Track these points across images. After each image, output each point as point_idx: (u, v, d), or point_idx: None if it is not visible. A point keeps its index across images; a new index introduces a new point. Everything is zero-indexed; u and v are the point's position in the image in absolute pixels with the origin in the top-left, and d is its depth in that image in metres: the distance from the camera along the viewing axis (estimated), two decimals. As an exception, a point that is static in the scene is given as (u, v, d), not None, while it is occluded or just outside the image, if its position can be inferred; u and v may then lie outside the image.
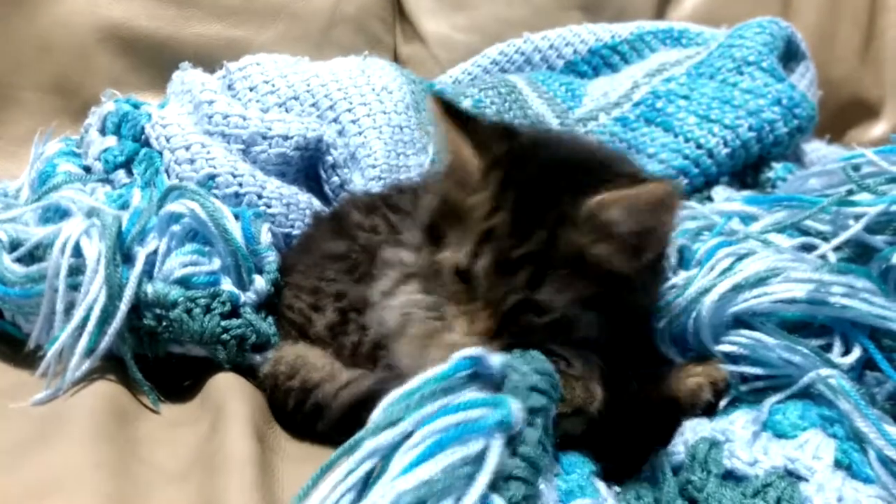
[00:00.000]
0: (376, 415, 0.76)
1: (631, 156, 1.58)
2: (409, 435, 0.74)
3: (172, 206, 1.18)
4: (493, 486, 0.74)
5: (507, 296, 0.94)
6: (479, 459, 0.74)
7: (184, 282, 1.15)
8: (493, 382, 0.83)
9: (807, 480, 0.80)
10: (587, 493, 0.84)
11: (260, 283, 1.20)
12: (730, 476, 0.83)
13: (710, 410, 0.97)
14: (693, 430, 0.90)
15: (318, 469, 0.73)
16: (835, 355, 0.93)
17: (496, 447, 0.75)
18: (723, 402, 0.97)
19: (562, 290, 0.93)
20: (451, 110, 1.00)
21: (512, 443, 0.79)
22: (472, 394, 0.79)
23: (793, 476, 0.80)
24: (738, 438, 0.85)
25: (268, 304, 1.22)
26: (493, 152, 0.98)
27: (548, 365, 0.88)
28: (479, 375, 0.81)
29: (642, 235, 0.94)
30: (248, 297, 1.18)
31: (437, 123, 1.04)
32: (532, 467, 0.78)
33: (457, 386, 0.79)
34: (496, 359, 0.83)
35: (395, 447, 0.74)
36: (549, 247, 0.92)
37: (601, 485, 0.88)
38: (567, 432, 0.91)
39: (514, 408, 0.78)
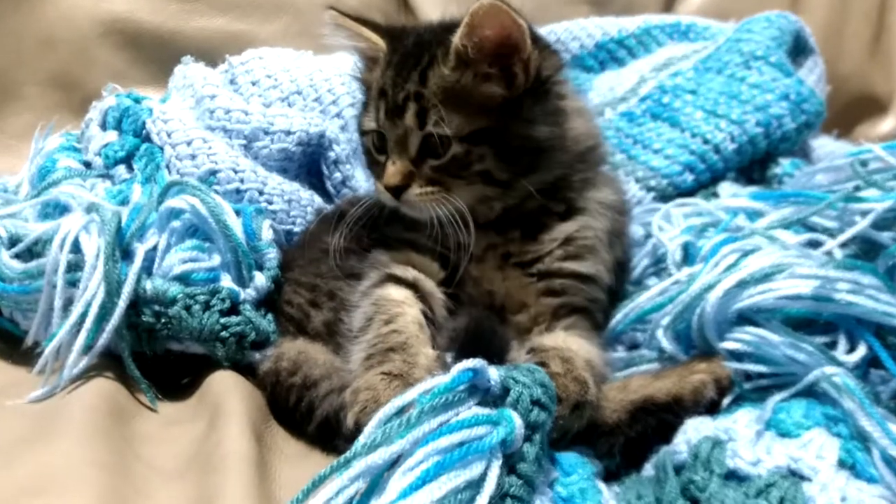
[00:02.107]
0: (370, 429, 0.75)
1: (636, 150, 1.57)
2: (402, 455, 0.73)
3: (173, 202, 1.18)
4: None
5: (407, 139, 1.09)
6: (480, 481, 0.74)
7: (183, 278, 1.15)
8: (493, 395, 0.82)
9: (810, 480, 0.79)
10: (588, 498, 0.83)
11: (260, 279, 1.20)
12: (732, 476, 0.82)
13: (713, 408, 0.96)
14: (696, 429, 0.89)
15: (309, 483, 0.72)
16: (840, 353, 0.92)
17: (496, 468, 0.75)
18: (726, 400, 0.96)
19: (447, 121, 1.06)
20: (350, 17, 1.20)
21: (510, 460, 0.78)
22: (473, 409, 0.78)
23: (796, 476, 0.80)
24: (741, 437, 0.85)
25: (268, 301, 1.21)
26: (388, 33, 1.17)
27: (546, 375, 0.88)
28: (477, 388, 0.81)
29: (500, 62, 1.07)
30: (247, 293, 1.18)
31: (343, 27, 1.20)
32: (528, 485, 0.78)
33: (456, 401, 0.78)
34: (495, 371, 0.82)
35: (388, 466, 0.73)
36: (422, 85, 1.08)
37: (603, 486, 0.87)
38: (570, 430, 0.93)
39: (518, 424, 0.78)
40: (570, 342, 1.05)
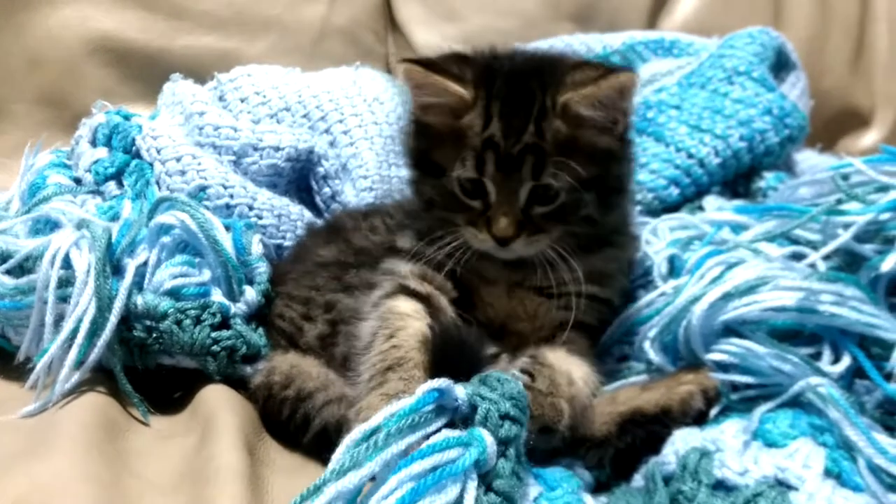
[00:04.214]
0: (339, 455, 0.75)
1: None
2: (373, 478, 0.73)
3: (162, 218, 1.18)
4: None
5: (517, 189, 1.05)
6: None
7: (174, 293, 1.15)
8: (461, 414, 0.83)
9: (797, 489, 0.80)
10: None
11: (251, 294, 1.20)
12: (720, 486, 0.83)
13: (701, 419, 0.97)
14: (684, 440, 0.89)
15: None
16: (824, 364, 0.93)
17: (472, 489, 0.76)
18: (714, 411, 0.97)
19: (561, 172, 1.03)
20: (426, 64, 1.10)
21: (486, 478, 0.79)
22: (444, 433, 0.78)
23: (783, 485, 0.80)
24: (729, 448, 0.85)
25: (258, 315, 1.21)
26: (469, 78, 1.09)
27: (516, 385, 0.88)
28: (445, 408, 0.81)
29: (610, 116, 1.06)
30: (238, 308, 1.18)
31: (415, 81, 1.12)
32: (508, 501, 0.78)
33: (423, 422, 0.79)
34: (461, 390, 0.83)
35: (359, 491, 0.73)
36: (539, 138, 1.04)
37: (589, 498, 0.88)
38: (538, 448, 0.92)
39: (489, 443, 0.79)
40: (570, 364, 1.05)
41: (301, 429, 1.05)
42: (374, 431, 0.76)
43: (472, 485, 0.76)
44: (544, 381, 0.98)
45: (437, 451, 0.75)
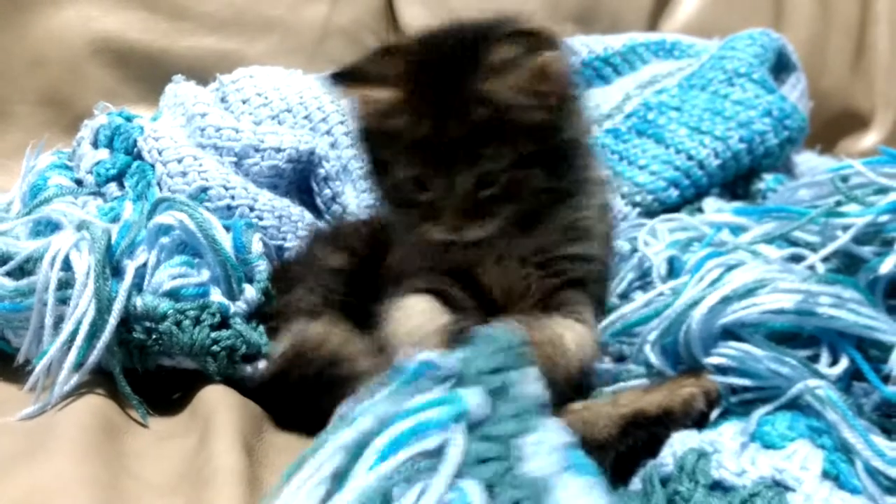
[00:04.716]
0: (334, 420, 0.76)
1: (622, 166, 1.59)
2: (371, 433, 0.74)
3: (161, 218, 1.18)
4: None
5: (456, 179, 1.06)
6: (439, 452, 0.74)
7: (173, 294, 1.15)
8: (455, 378, 0.82)
9: (794, 490, 0.79)
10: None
11: (250, 292, 1.20)
12: (717, 486, 0.83)
13: (701, 421, 0.97)
14: (681, 442, 0.89)
15: (287, 469, 0.73)
16: (822, 366, 0.93)
17: (458, 437, 0.75)
18: (714, 413, 0.97)
19: (496, 156, 1.04)
20: (346, 76, 1.11)
21: (481, 427, 0.78)
22: (427, 395, 0.78)
23: (780, 486, 0.80)
24: (727, 449, 0.85)
25: (258, 314, 1.22)
26: (395, 74, 1.09)
27: (508, 337, 0.87)
28: (440, 378, 0.81)
29: (538, 96, 1.05)
30: (238, 307, 1.18)
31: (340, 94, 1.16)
32: (504, 444, 0.77)
33: (420, 390, 0.79)
34: (450, 357, 0.83)
35: (359, 445, 0.73)
36: (466, 128, 1.04)
37: None
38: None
39: (471, 398, 0.78)
40: (563, 328, 1.07)
41: (327, 389, 1.05)
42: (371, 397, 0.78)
43: (457, 434, 0.75)
44: (540, 333, 1.01)
45: (416, 412, 0.76)
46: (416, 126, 1.06)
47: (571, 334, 1.06)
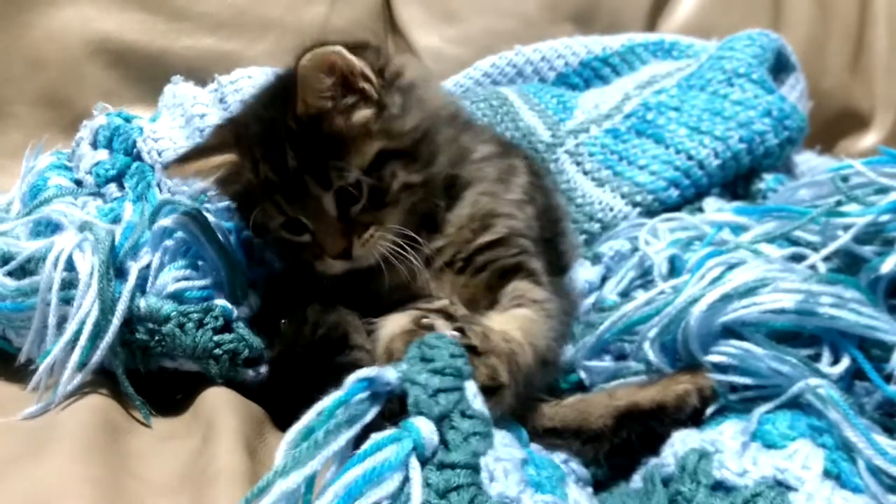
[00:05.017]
0: (280, 456, 0.75)
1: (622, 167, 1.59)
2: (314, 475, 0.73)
3: (165, 221, 1.18)
4: None
5: (320, 205, 1.07)
6: (401, 492, 0.74)
7: (177, 296, 1.15)
8: (397, 395, 0.82)
9: (796, 490, 0.80)
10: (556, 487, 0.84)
11: (253, 297, 1.20)
12: (720, 487, 0.83)
13: (696, 417, 0.97)
14: (683, 442, 0.90)
15: None
16: (824, 365, 0.93)
17: (417, 472, 0.75)
18: (709, 410, 0.97)
19: (342, 169, 1.05)
20: (182, 159, 1.13)
21: (436, 456, 0.78)
22: (372, 437, 0.77)
23: (782, 486, 0.80)
24: (728, 449, 0.85)
25: (262, 319, 1.21)
26: (229, 140, 1.12)
27: (448, 350, 0.87)
28: (378, 394, 0.81)
29: (340, 97, 1.06)
30: (241, 311, 1.18)
31: (190, 175, 1.15)
32: (467, 468, 0.77)
33: (359, 413, 0.78)
34: (391, 373, 0.82)
35: (307, 487, 0.73)
36: (299, 155, 1.05)
37: (574, 489, 0.88)
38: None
39: (424, 429, 0.78)
40: (508, 322, 1.03)
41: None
42: (311, 431, 0.76)
43: (415, 470, 0.75)
44: (476, 337, 0.95)
45: (370, 455, 0.75)
46: (257, 175, 1.08)
47: (517, 323, 1.03)
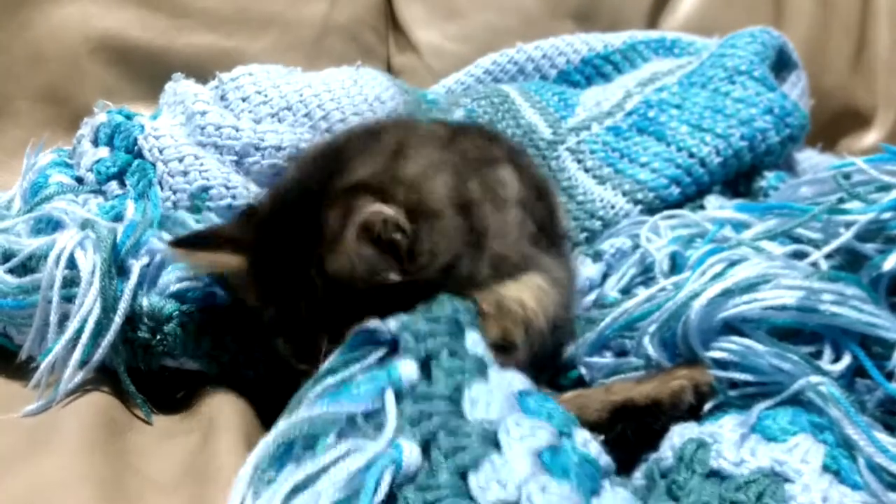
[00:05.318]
0: (292, 402, 0.80)
1: (623, 164, 1.59)
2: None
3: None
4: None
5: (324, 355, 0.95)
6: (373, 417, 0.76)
7: (180, 296, 1.15)
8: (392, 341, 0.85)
9: (793, 482, 0.80)
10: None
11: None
12: (715, 475, 0.83)
13: (692, 414, 0.97)
14: (680, 434, 0.90)
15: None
16: (825, 362, 0.93)
17: (391, 400, 0.77)
18: (707, 406, 0.97)
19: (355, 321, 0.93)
20: (196, 245, 1.07)
21: (416, 388, 0.79)
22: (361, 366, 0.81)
23: (779, 477, 0.80)
24: (726, 440, 0.86)
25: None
26: (244, 237, 1.04)
27: (451, 305, 0.89)
28: (380, 343, 0.84)
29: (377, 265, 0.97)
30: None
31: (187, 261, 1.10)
32: (443, 399, 0.77)
33: (359, 356, 0.83)
34: (392, 323, 0.85)
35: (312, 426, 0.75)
36: (320, 311, 0.98)
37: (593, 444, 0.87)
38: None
39: (404, 367, 0.80)
40: (521, 290, 1.05)
41: None
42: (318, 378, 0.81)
43: (391, 398, 0.77)
44: (488, 305, 0.98)
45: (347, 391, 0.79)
46: (262, 309, 1.03)
47: (530, 292, 1.05)
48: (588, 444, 0.82)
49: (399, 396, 0.78)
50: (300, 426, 0.74)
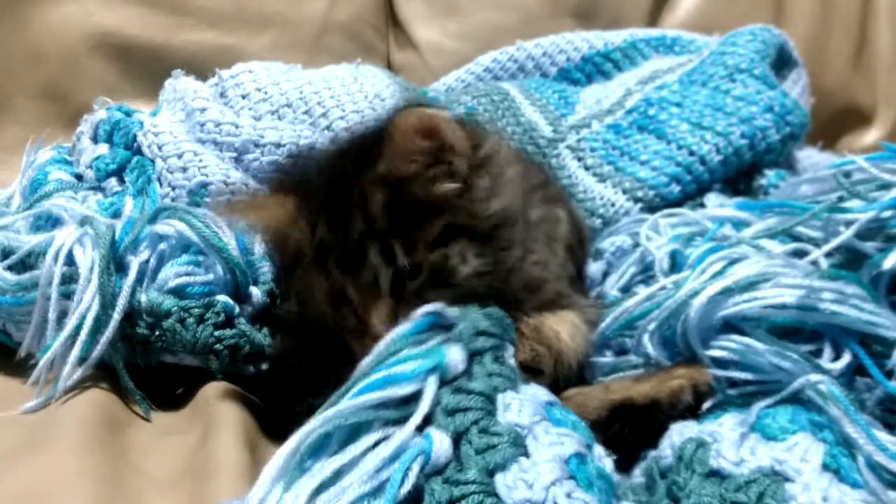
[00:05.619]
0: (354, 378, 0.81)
1: (623, 162, 1.59)
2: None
3: (159, 228, 1.18)
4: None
5: (376, 281, 0.99)
6: (412, 400, 0.78)
7: (178, 291, 1.15)
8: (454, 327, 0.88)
9: (793, 481, 0.79)
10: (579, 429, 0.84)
11: (256, 293, 1.20)
12: (715, 475, 0.83)
13: (691, 413, 0.97)
14: (680, 433, 0.90)
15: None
16: (825, 361, 0.93)
17: (431, 386, 0.78)
18: (706, 405, 0.96)
19: (413, 244, 0.98)
20: (238, 202, 1.07)
21: (456, 381, 0.81)
22: (404, 351, 0.83)
23: (779, 476, 0.80)
24: (726, 439, 0.85)
25: (263, 315, 1.21)
26: (292, 194, 1.04)
27: (500, 312, 0.92)
28: (441, 326, 0.87)
29: (430, 159, 0.99)
30: (244, 308, 1.18)
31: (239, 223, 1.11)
32: (481, 396, 0.80)
33: (421, 339, 0.84)
34: (453, 311, 0.88)
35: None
36: (371, 221, 0.98)
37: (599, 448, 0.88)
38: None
39: (452, 354, 0.82)
40: (560, 323, 1.07)
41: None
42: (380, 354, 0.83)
43: (431, 385, 0.79)
44: (527, 327, 1.00)
45: (395, 365, 0.80)
46: (312, 235, 1.01)
47: (566, 327, 1.06)
48: (602, 459, 0.84)
49: (441, 383, 0.81)
50: (342, 416, 0.75)
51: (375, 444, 0.74)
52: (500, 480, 0.73)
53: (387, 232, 0.98)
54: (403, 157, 0.98)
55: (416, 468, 0.72)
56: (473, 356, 0.84)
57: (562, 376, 1.01)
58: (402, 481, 0.71)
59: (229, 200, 1.09)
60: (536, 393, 0.87)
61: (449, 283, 1.00)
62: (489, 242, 1.03)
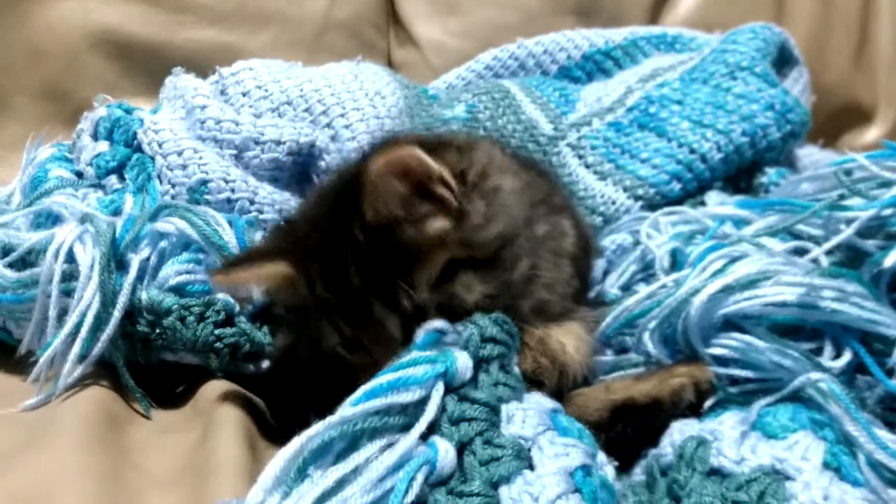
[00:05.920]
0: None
1: (624, 160, 1.58)
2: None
3: (160, 226, 1.18)
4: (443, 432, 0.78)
5: (385, 329, 0.96)
6: (419, 406, 0.77)
7: (179, 289, 1.15)
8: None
9: (793, 479, 0.79)
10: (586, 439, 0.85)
11: (256, 292, 1.20)
12: (715, 473, 0.82)
13: (693, 411, 0.97)
14: (680, 431, 0.89)
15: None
16: (825, 359, 0.93)
17: (437, 393, 0.78)
18: (707, 403, 0.96)
19: (412, 287, 0.94)
20: (235, 265, 1.03)
21: (462, 389, 0.82)
22: (414, 353, 0.83)
23: (780, 475, 0.80)
24: (727, 438, 0.85)
25: (263, 314, 1.21)
26: (288, 253, 1.01)
27: (507, 318, 0.93)
28: (447, 342, 0.87)
29: (413, 200, 0.95)
30: (244, 306, 1.18)
31: (239, 283, 1.07)
32: (486, 406, 0.80)
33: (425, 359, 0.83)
34: (456, 326, 0.89)
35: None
36: (367, 272, 0.95)
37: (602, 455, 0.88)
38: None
39: (460, 359, 0.82)
40: (566, 335, 1.06)
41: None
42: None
43: (437, 392, 0.79)
44: (532, 338, 1.00)
45: (403, 368, 0.79)
46: (312, 292, 0.99)
47: (572, 340, 1.05)
48: (604, 466, 0.85)
49: (446, 390, 0.81)
50: (346, 422, 0.74)
51: (379, 451, 0.73)
52: (505, 493, 0.73)
53: (385, 280, 0.95)
54: (384, 204, 0.94)
55: (420, 478, 0.72)
56: (480, 363, 0.85)
57: (566, 388, 1.01)
58: (407, 491, 0.71)
59: (225, 264, 1.06)
60: (540, 401, 0.88)
61: (457, 312, 0.96)
62: (492, 266, 0.99)
